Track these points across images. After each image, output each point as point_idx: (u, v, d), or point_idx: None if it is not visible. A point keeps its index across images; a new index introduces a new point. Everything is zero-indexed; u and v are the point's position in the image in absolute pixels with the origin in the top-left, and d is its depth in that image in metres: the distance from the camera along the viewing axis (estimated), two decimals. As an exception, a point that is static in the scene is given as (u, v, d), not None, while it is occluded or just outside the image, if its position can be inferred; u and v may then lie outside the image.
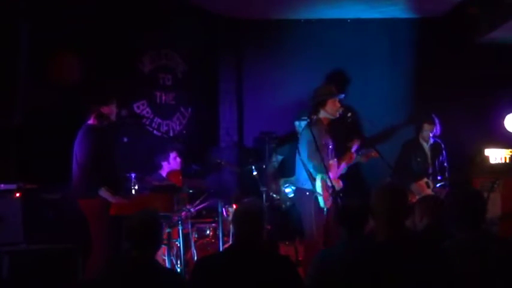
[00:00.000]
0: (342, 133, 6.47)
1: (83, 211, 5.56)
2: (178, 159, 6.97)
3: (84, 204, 5.55)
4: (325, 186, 5.87)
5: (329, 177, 5.73)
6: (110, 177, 5.58)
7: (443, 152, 6.98)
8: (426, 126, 6.93)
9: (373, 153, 6.30)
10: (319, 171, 5.90)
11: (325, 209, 5.92)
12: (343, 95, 6.23)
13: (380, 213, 3.36)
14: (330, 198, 5.87)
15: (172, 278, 3.64)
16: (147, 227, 3.59)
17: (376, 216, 3.37)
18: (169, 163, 6.96)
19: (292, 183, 6.70)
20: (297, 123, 7.29)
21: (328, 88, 6.28)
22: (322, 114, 6.12)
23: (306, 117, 6.78)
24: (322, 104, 6.11)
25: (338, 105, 6.12)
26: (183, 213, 6.09)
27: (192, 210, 6.45)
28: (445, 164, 6.99)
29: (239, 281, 3.42)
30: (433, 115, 7.00)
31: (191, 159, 7.07)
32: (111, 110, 5.80)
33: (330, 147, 6.12)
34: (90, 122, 5.71)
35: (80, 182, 5.57)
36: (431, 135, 6.93)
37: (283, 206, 6.85)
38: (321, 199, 5.89)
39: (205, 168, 7.32)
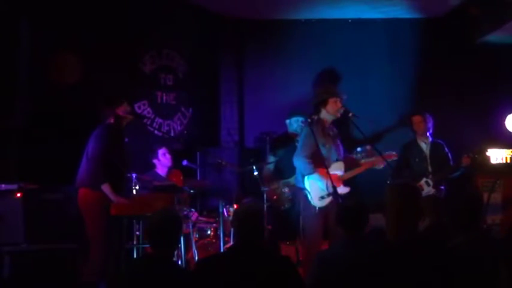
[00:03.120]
0: (343, 133, 6.45)
1: (79, 202, 5.48)
2: (168, 156, 6.93)
3: (83, 193, 5.47)
4: (314, 185, 5.89)
5: (330, 178, 5.72)
6: (117, 176, 5.52)
7: (445, 149, 6.94)
8: (413, 119, 6.89)
9: (392, 155, 6.28)
10: (304, 171, 5.92)
11: (316, 208, 5.89)
12: (345, 96, 6.18)
13: (391, 212, 3.34)
14: (324, 199, 5.86)
15: (188, 278, 3.63)
16: (167, 226, 3.60)
17: (387, 214, 3.36)
18: (159, 160, 6.93)
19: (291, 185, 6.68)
20: (287, 121, 7.25)
21: (329, 87, 6.26)
22: (324, 114, 6.09)
23: (298, 115, 6.79)
24: (323, 104, 6.08)
25: (339, 105, 6.08)
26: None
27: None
28: (450, 161, 6.91)
29: (240, 281, 3.42)
30: (422, 110, 6.95)
31: (187, 158, 7.08)
32: (125, 109, 5.71)
33: (335, 146, 6.10)
34: (109, 121, 5.65)
35: (86, 172, 5.49)
36: (426, 131, 6.89)
37: (282, 207, 6.84)
38: (309, 197, 5.89)
39: (199, 166, 7.36)
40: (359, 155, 6.28)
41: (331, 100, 6.05)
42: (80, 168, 5.58)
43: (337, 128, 6.27)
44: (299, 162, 5.98)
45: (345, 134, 6.57)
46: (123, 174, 5.57)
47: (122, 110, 5.69)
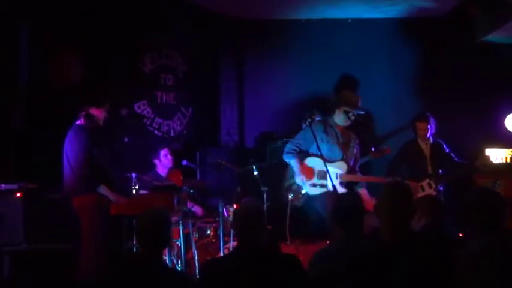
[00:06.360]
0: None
1: (76, 208, 5.50)
2: (169, 157, 6.96)
3: (78, 201, 5.49)
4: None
5: (329, 177, 5.75)
6: (104, 177, 5.55)
7: (446, 149, 6.92)
8: (418, 125, 6.89)
9: (386, 150, 6.35)
10: (285, 151, 6.12)
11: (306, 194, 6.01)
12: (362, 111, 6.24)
13: (384, 212, 3.33)
14: (316, 187, 5.93)
15: (177, 278, 3.64)
16: (155, 226, 3.61)
17: (380, 215, 3.35)
18: (160, 161, 6.96)
19: None
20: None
21: (348, 97, 6.26)
22: (336, 116, 6.16)
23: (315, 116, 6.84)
24: (337, 107, 6.15)
25: (352, 116, 6.13)
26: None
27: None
28: (453, 159, 6.88)
29: (247, 282, 3.41)
30: (426, 113, 6.96)
31: (187, 157, 7.10)
32: (100, 114, 5.68)
33: (343, 148, 6.15)
34: (79, 122, 5.64)
35: (73, 180, 5.51)
36: (428, 134, 6.89)
37: (296, 203, 6.83)
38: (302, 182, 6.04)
39: (199, 167, 7.37)
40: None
41: (345, 109, 6.11)
42: (66, 177, 5.57)
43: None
44: (285, 157, 6.18)
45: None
46: (106, 177, 5.58)
47: (97, 112, 5.67)
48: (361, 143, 6.45)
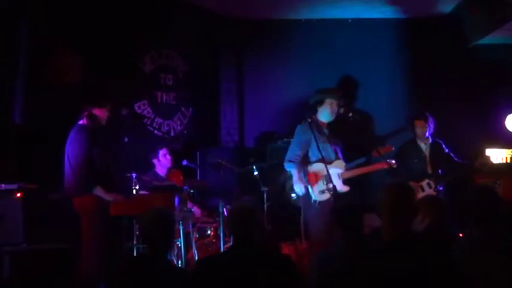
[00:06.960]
0: (344, 133, 6.48)
1: (76, 209, 5.52)
2: (168, 157, 6.96)
3: (78, 202, 5.52)
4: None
5: (329, 177, 5.74)
6: (102, 179, 5.56)
7: (445, 149, 6.92)
8: (417, 123, 6.89)
9: (387, 149, 6.37)
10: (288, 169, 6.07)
11: (317, 202, 5.91)
12: (342, 101, 6.22)
13: (385, 212, 3.33)
14: (325, 193, 5.90)
15: (183, 277, 3.65)
16: (160, 225, 3.61)
17: (382, 215, 3.36)
18: (159, 160, 6.96)
19: None
20: None
21: (329, 89, 6.28)
22: (319, 114, 6.13)
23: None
24: (319, 104, 6.13)
25: (335, 108, 6.11)
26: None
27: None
28: (453, 159, 6.87)
29: (240, 281, 3.43)
30: (425, 113, 6.95)
31: (187, 157, 7.10)
32: (103, 114, 5.73)
33: (331, 146, 6.12)
34: (82, 122, 5.68)
35: (73, 180, 5.54)
36: (427, 134, 6.89)
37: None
38: (310, 190, 5.96)
39: (199, 167, 7.37)
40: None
41: (328, 101, 6.09)
42: (66, 177, 5.60)
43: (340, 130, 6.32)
44: (286, 166, 6.12)
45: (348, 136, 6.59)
46: (108, 177, 5.58)
47: (100, 112, 5.71)
48: (360, 143, 6.44)
